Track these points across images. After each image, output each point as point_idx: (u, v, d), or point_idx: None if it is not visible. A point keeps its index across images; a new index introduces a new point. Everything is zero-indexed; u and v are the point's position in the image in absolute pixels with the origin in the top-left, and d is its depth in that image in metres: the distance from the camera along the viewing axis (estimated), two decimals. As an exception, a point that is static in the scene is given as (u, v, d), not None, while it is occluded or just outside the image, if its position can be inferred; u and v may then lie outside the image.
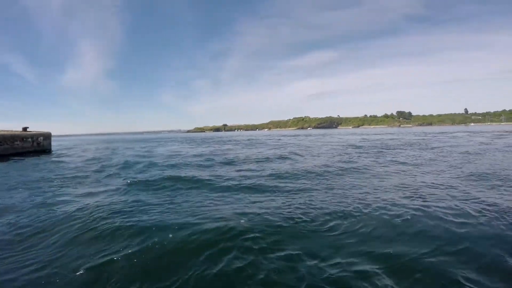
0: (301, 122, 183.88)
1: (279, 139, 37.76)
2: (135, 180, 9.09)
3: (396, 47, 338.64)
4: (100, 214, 5.56)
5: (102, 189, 8.19)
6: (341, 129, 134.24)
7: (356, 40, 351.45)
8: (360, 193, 6.74)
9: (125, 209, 5.91)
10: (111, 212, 5.73)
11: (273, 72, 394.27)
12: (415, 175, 9.02)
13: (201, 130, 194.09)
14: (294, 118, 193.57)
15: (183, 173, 10.42)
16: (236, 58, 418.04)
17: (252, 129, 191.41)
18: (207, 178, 9.10)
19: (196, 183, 8.37)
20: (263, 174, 9.80)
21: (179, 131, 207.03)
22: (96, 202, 6.57)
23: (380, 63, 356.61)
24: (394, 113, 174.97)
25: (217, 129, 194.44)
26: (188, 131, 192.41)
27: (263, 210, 5.54)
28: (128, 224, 4.95)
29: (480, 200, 6.03)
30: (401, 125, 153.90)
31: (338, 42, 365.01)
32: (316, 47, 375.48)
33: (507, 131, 41.00)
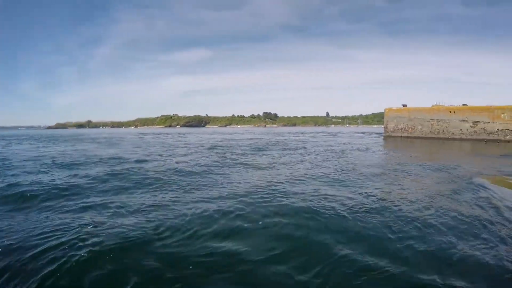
0: (169, 120, 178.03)
1: (142, 138, 38.60)
2: None
3: (269, 52, 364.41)
4: None
5: None
6: (208, 128, 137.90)
7: (232, 41, 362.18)
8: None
9: None
10: None
11: (146, 65, 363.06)
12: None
13: (63, 126, 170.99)
14: (162, 116, 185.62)
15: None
16: (108, 47, 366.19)
17: (118, 126, 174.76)
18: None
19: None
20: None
21: (39, 127, 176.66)
22: None
23: (252, 66, 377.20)
24: (261, 114, 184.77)
25: (80, 126, 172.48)
26: (49, 127, 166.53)
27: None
28: None
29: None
30: (267, 125, 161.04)
31: (214, 41, 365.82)
32: (192, 44, 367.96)
33: (356, 132, 50.71)
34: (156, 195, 7.58)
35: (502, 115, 28.80)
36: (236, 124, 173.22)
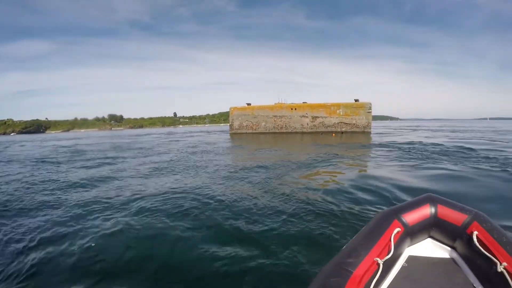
0: (3, 127, 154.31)
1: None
2: None
3: (116, 48, 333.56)
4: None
5: None
6: (48, 134, 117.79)
7: (76, 34, 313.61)
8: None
9: None
10: None
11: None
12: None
13: None
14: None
15: None
16: None
17: None
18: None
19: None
20: None
21: None
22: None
23: (95, 63, 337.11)
24: (106, 116, 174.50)
25: None
26: None
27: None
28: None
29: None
30: (112, 128, 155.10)
31: (54, 33, 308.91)
32: (33, 36, 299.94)
33: (203, 131, 51.20)
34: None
35: (338, 111, 30.57)
36: (79, 128, 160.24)
